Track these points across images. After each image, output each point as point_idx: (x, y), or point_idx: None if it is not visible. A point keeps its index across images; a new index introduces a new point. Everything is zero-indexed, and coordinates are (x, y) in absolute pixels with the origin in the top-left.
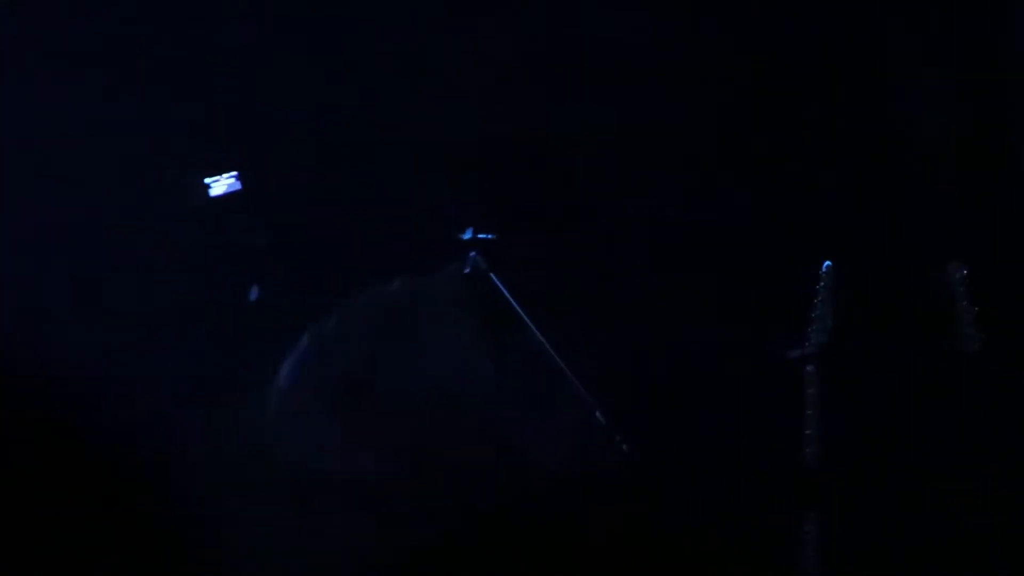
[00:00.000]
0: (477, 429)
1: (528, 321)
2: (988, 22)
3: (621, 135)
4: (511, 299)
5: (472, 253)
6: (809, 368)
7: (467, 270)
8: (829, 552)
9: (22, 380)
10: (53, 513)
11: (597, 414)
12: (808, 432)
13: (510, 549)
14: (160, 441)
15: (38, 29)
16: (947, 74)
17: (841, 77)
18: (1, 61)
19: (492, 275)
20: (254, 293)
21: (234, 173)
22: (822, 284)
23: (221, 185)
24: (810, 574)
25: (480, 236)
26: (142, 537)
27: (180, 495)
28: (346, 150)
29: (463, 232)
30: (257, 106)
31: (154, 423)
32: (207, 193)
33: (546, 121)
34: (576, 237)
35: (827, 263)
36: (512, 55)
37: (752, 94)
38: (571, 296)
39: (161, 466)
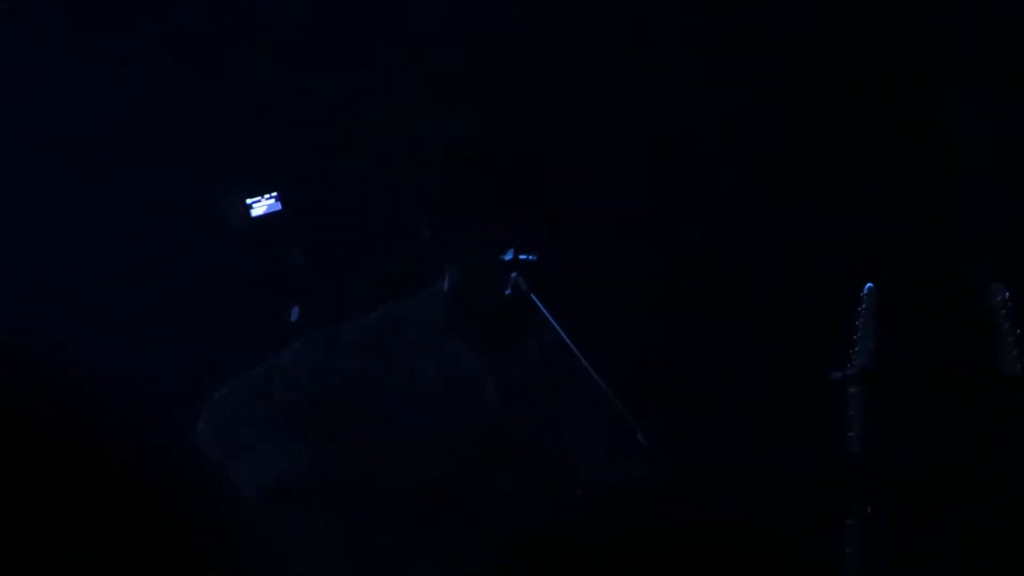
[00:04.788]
0: (503, 451)
1: (569, 341)
2: None
3: (660, 150)
4: (552, 320)
5: (513, 274)
6: (852, 390)
7: (508, 291)
8: (872, 571)
9: (50, 397)
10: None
11: (639, 434)
12: (851, 453)
13: (557, 569)
14: (191, 459)
15: (76, 38)
16: (994, 83)
17: (883, 90)
18: (38, 79)
19: (533, 296)
20: (295, 313)
21: (275, 193)
22: (864, 306)
23: (262, 205)
24: None
25: (521, 257)
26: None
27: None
28: (389, 169)
29: (504, 252)
30: (298, 125)
31: (192, 444)
32: (248, 214)
33: (579, 132)
34: (616, 256)
35: (869, 285)
36: (549, 70)
37: (794, 107)
38: (610, 315)
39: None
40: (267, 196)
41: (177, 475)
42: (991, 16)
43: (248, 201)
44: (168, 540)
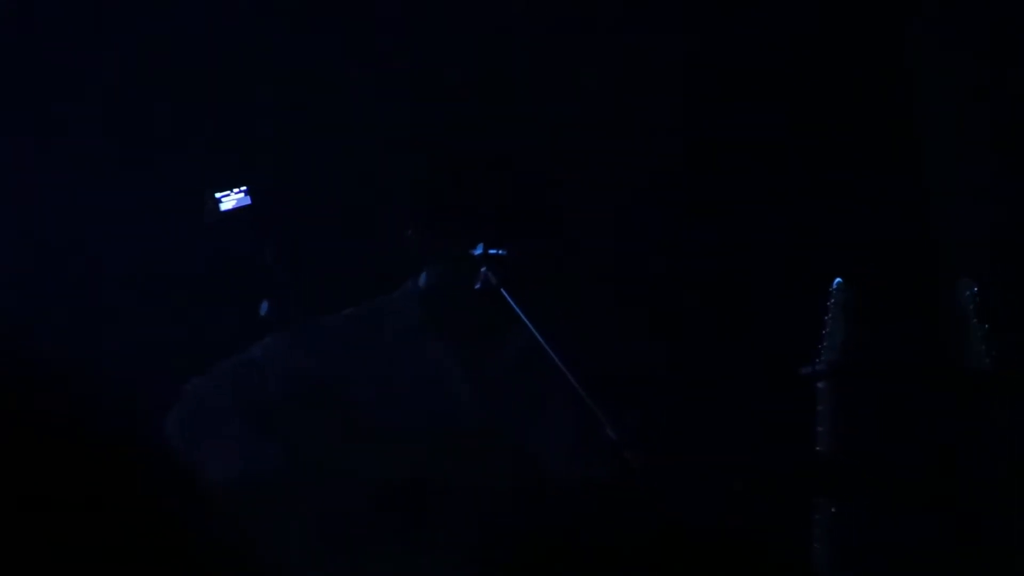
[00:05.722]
0: (476, 450)
1: (540, 337)
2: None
3: (630, 145)
4: (523, 316)
5: (483, 268)
6: (821, 384)
7: (478, 286)
8: (842, 566)
9: (23, 394)
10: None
11: (608, 430)
12: (819, 448)
13: (529, 567)
14: (165, 456)
15: (50, 38)
16: (967, 79)
17: (856, 84)
18: (10, 72)
19: (503, 291)
20: (264, 307)
21: (244, 188)
22: (833, 301)
23: (231, 200)
24: None
25: (491, 251)
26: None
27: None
28: (360, 163)
29: (473, 247)
30: (268, 119)
31: (160, 440)
32: (218, 208)
33: (555, 131)
34: (584, 250)
35: (838, 280)
36: (524, 65)
37: (765, 102)
38: (580, 310)
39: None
40: (236, 190)
41: (151, 471)
42: (986, 18)
43: (217, 195)
44: (155, 539)
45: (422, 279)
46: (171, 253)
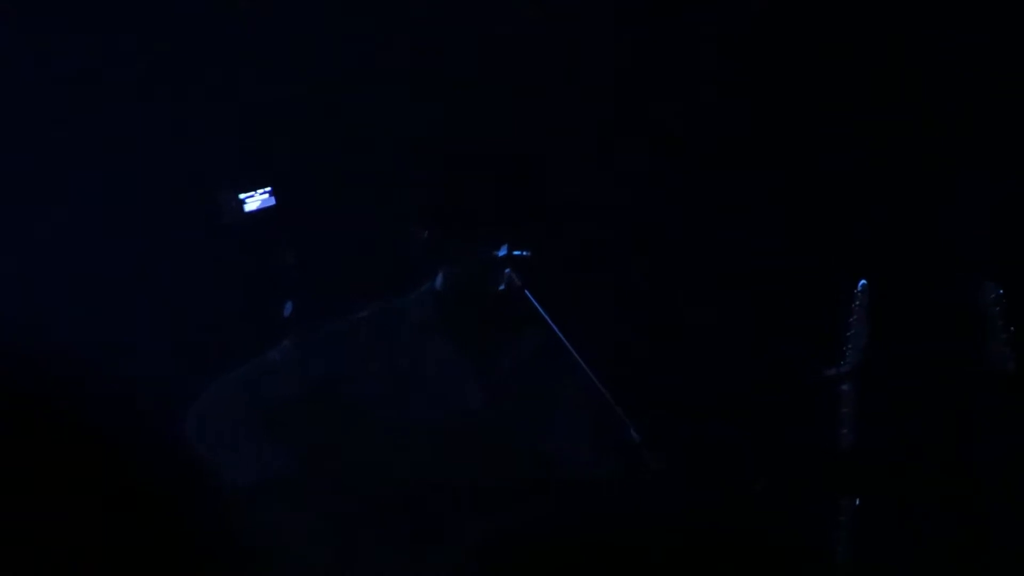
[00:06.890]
0: (488, 450)
1: (563, 338)
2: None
3: (653, 148)
4: (547, 316)
5: (507, 270)
6: (845, 386)
7: (502, 287)
8: (862, 567)
9: (41, 399)
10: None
11: (632, 431)
12: (843, 450)
13: (540, 566)
14: (186, 459)
15: (71, 38)
16: (985, 78)
17: (875, 86)
18: (32, 72)
19: (527, 292)
20: (288, 309)
21: (268, 188)
22: (857, 303)
23: (256, 201)
24: None
25: (515, 253)
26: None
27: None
28: (383, 165)
29: (498, 249)
30: (292, 120)
31: (178, 442)
32: (242, 209)
33: (576, 131)
34: (608, 254)
35: (863, 282)
36: (546, 68)
37: (788, 104)
38: (603, 313)
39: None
40: (261, 191)
41: (165, 473)
42: (989, 17)
43: (242, 196)
44: (159, 539)
45: (438, 281)
46: (189, 255)
